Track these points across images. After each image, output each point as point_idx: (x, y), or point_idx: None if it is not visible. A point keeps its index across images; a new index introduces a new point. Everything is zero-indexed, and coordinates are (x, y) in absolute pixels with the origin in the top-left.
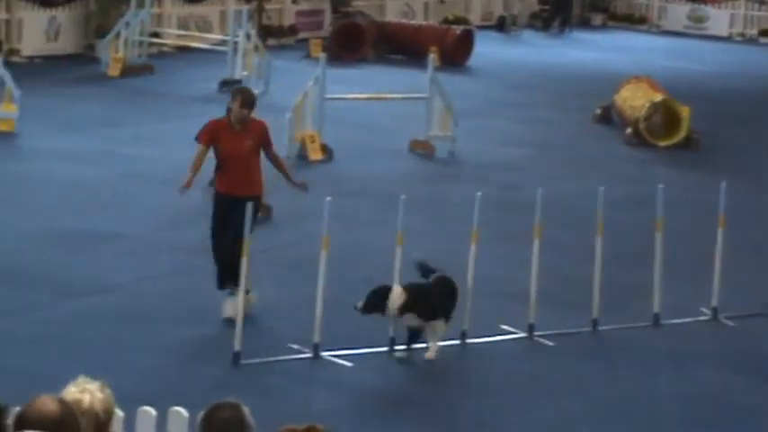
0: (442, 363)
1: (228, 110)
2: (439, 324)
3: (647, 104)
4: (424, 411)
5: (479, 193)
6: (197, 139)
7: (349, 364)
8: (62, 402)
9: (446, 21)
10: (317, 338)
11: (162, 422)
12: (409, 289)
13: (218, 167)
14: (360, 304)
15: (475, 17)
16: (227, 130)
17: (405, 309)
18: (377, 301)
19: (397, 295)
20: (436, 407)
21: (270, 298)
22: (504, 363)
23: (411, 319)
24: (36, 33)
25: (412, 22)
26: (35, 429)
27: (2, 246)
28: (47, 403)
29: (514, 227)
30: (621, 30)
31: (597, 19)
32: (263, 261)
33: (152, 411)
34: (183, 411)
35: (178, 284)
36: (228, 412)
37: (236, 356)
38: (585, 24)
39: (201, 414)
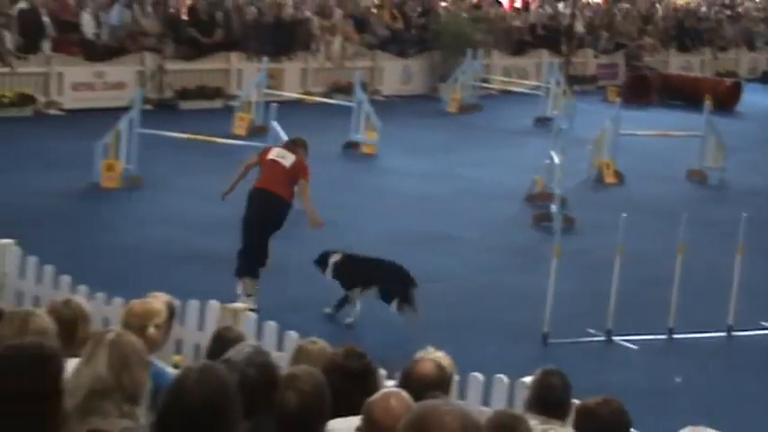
0: (709, 352)
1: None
2: (354, 293)
3: None
4: (694, 393)
5: (745, 215)
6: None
7: (635, 347)
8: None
9: (719, 74)
10: (609, 325)
11: (488, 386)
12: (345, 257)
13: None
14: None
15: (743, 71)
16: None
17: (334, 274)
18: (322, 260)
19: (333, 260)
20: (700, 391)
21: (572, 291)
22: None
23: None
24: (393, 78)
25: (690, 74)
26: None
27: (358, 242)
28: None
29: None
30: None
31: None
32: (568, 262)
33: (480, 377)
34: (505, 378)
35: (499, 277)
36: (558, 377)
37: (545, 337)
38: None
39: (535, 378)
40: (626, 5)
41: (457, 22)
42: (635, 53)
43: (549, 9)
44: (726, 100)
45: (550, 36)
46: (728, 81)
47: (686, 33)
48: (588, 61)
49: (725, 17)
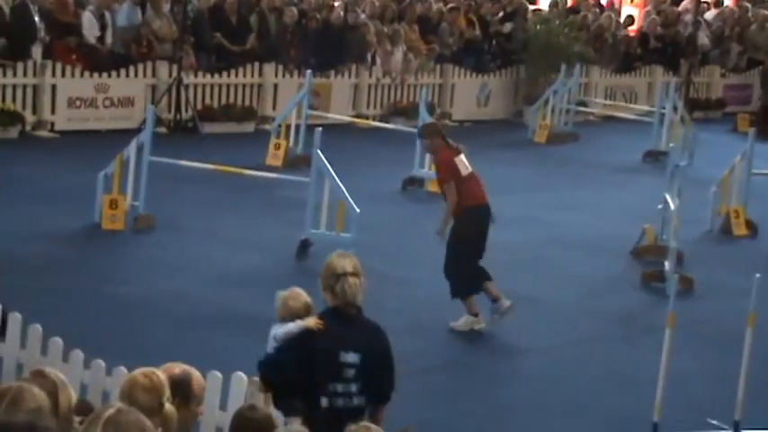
0: None
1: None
2: None
3: None
4: None
5: None
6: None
7: None
8: None
9: None
10: (737, 415)
11: None
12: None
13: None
14: None
15: None
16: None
17: None
18: None
19: None
20: None
21: (690, 370)
22: None
23: None
24: (468, 98)
25: None
26: None
27: (426, 302)
28: None
29: None
30: None
31: None
32: (685, 333)
33: None
34: None
35: (596, 351)
36: None
37: (655, 427)
38: None
39: None
40: (764, 11)
41: (549, 29)
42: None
43: (660, 13)
44: None
45: (666, 49)
46: None
47: None
48: (714, 82)
49: None
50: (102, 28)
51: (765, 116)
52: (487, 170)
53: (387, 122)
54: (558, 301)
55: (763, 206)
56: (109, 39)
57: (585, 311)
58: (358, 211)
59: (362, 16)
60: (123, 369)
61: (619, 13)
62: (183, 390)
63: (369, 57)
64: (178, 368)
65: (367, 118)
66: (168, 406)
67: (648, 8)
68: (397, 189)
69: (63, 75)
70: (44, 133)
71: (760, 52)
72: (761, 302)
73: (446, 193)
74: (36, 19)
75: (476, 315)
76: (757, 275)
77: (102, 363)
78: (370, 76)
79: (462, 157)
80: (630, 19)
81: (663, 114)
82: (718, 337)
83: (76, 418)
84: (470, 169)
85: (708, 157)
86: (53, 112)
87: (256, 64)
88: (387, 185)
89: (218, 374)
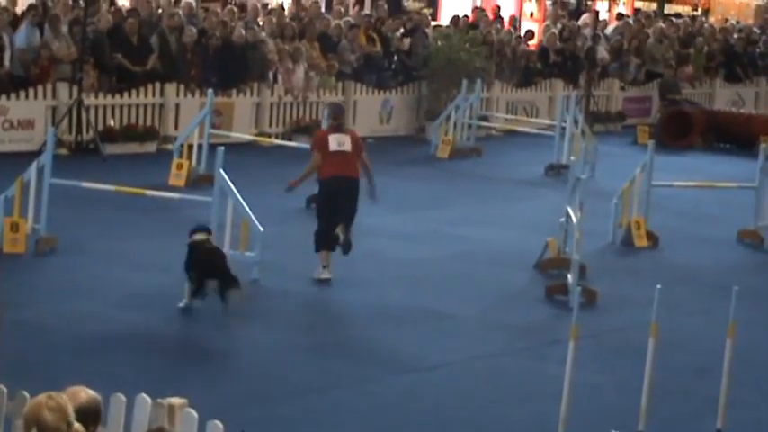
0: None
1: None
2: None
3: None
4: None
5: None
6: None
7: None
8: None
9: None
10: (641, 426)
11: None
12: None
13: None
14: None
15: None
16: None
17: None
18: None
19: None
20: None
21: (594, 382)
22: None
23: None
24: (370, 115)
25: (742, 110)
26: None
27: (333, 320)
28: None
29: None
30: None
31: None
32: (589, 345)
33: None
34: None
35: (502, 365)
36: None
37: None
38: None
39: None
40: (661, 25)
41: (450, 45)
42: (672, 84)
43: (559, 27)
44: None
45: (566, 63)
46: None
47: (736, 59)
48: (613, 95)
49: None
50: (1, 50)
51: (665, 128)
52: (391, 186)
53: (289, 140)
54: (464, 316)
55: (663, 217)
56: (7, 61)
57: (490, 325)
58: (262, 230)
59: (263, 34)
60: (25, 394)
61: (519, 28)
62: (93, 415)
63: (270, 75)
64: (84, 392)
65: (269, 136)
66: (77, 425)
67: (548, 22)
68: (301, 207)
69: None
70: None
71: (658, 65)
72: (663, 313)
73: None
74: None
75: (324, 267)
76: (658, 286)
77: (3, 388)
78: (272, 94)
79: (340, 136)
80: (530, 33)
81: (564, 128)
82: (621, 348)
83: None
84: (343, 148)
85: (609, 170)
86: None
87: (157, 84)
88: (291, 203)
89: (122, 397)
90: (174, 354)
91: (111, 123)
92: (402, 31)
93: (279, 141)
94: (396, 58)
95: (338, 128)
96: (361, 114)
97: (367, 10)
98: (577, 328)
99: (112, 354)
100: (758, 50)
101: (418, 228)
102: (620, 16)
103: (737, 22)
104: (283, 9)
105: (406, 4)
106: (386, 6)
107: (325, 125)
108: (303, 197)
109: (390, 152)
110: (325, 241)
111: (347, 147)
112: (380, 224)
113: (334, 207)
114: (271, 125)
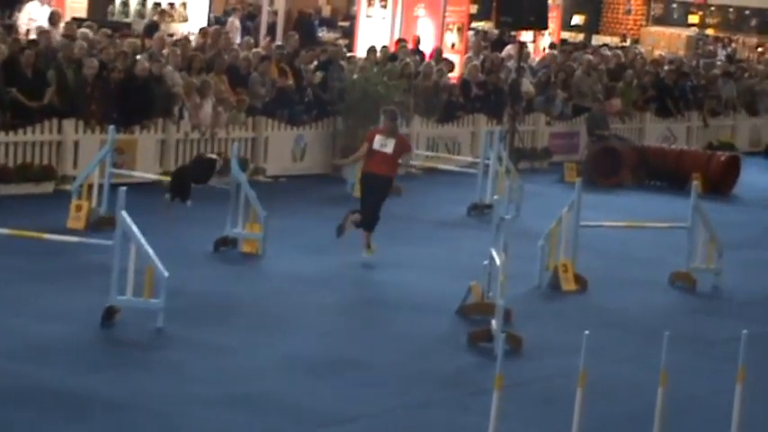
0: None
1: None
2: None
3: None
4: None
5: (745, 331)
6: None
7: None
8: None
9: (710, 146)
10: None
11: None
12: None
13: None
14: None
15: (742, 143)
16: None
17: None
18: None
19: None
20: None
21: None
22: None
23: None
24: (283, 152)
25: (673, 146)
26: None
27: (244, 371)
28: None
29: None
30: None
31: None
32: (515, 395)
33: None
34: None
35: (423, 417)
36: None
37: None
38: None
39: None
40: (588, 56)
41: (366, 78)
42: (600, 119)
43: (482, 58)
44: (720, 180)
45: (489, 97)
46: (723, 156)
47: (668, 93)
48: (539, 130)
49: (719, 72)
50: None
51: (593, 165)
52: (306, 228)
53: None
54: (382, 365)
55: (592, 259)
56: None
57: (411, 375)
58: (167, 275)
59: (168, 67)
60: None
61: (441, 60)
62: None
63: (176, 110)
64: None
65: None
66: None
67: (470, 54)
68: (208, 250)
69: None
70: None
71: (586, 99)
72: (592, 360)
73: None
74: None
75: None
76: (587, 332)
77: None
78: (178, 130)
79: (383, 137)
80: (450, 65)
81: (487, 165)
82: (548, 397)
83: None
84: (382, 149)
85: (535, 210)
86: None
87: (55, 120)
88: (198, 246)
89: None
90: (73, 407)
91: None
92: (316, 63)
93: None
94: (309, 91)
95: (386, 130)
96: (272, 152)
97: (279, 41)
98: (502, 376)
99: (8, 410)
100: (690, 83)
101: (334, 271)
102: (552, 47)
103: (671, 52)
104: (189, 40)
105: (320, 34)
106: (298, 37)
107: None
108: (210, 240)
109: (304, 192)
110: (362, 224)
111: (389, 149)
112: (294, 268)
113: (363, 199)
114: (177, 163)
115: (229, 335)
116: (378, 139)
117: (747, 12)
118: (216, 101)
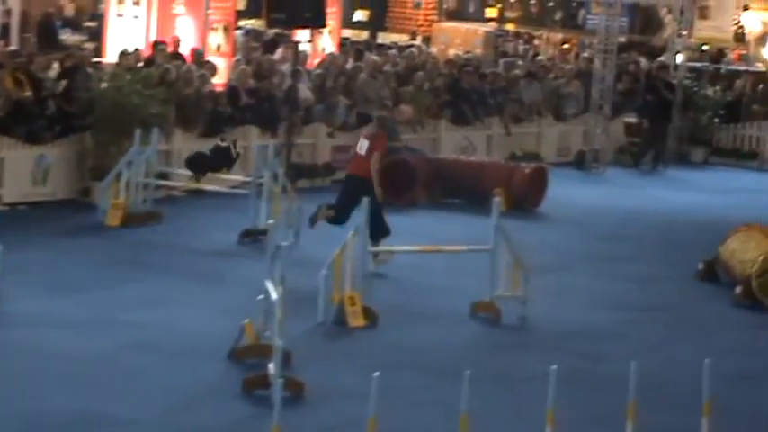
0: None
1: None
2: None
3: (761, 258)
4: None
5: (554, 367)
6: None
7: None
8: None
9: (513, 157)
10: None
11: None
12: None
13: None
14: None
15: (548, 152)
16: None
17: None
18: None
19: None
20: None
21: None
22: None
23: None
24: (19, 176)
25: (472, 158)
26: None
27: None
28: None
29: (600, 407)
30: (727, 167)
31: (698, 154)
32: None
33: None
34: None
35: None
36: None
37: None
38: (683, 160)
39: None
40: (374, 57)
41: (117, 87)
42: (389, 129)
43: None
44: (524, 195)
45: (262, 106)
46: (528, 168)
47: (464, 97)
48: (320, 143)
49: (521, 73)
50: None
51: (381, 180)
52: (50, 265)
53: None
54: (144, 420)
55: (383, 290)
56: None
57: (177, 430)
58: None
59: None
60: None
61: (201, 64)
62: None
63: None
64: None
65: None
66: None
67: (238, 57)
68: None
69: None
70: None
71: (372, 106)
72: (384, 405)
73: None
74: None
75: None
76: (376, 374)
77: None
78: None
79: (363, 139)
80: (214, 69)
81: (261, 185)
82: None
83: None
84: (360, 150)
85: (316, 235)
86: None
87: None
88: None
89: None
90: None
91: None
92: (59, 70)
93: None
94: (51, 104)
95: (367, 132)
96: (9, 175)
97: (14, 45)
98: (279, 428)
99: None
100: (488, 86)
101: (84, 313)
102: (343, 45)
103: (467, 52)
104: None
105: (62, 37)
106: (35, 40)
107: None
108: None
109: (48, 221)
110: (333, 221)
111: (363, 150)
112: (38, 310)
113: (338, 197)
114: None
115: None
116: (360, 140)
117: (551, 4)
118: None
